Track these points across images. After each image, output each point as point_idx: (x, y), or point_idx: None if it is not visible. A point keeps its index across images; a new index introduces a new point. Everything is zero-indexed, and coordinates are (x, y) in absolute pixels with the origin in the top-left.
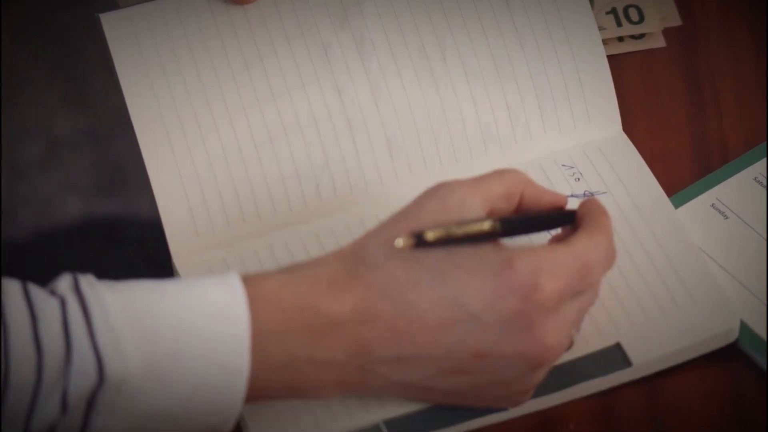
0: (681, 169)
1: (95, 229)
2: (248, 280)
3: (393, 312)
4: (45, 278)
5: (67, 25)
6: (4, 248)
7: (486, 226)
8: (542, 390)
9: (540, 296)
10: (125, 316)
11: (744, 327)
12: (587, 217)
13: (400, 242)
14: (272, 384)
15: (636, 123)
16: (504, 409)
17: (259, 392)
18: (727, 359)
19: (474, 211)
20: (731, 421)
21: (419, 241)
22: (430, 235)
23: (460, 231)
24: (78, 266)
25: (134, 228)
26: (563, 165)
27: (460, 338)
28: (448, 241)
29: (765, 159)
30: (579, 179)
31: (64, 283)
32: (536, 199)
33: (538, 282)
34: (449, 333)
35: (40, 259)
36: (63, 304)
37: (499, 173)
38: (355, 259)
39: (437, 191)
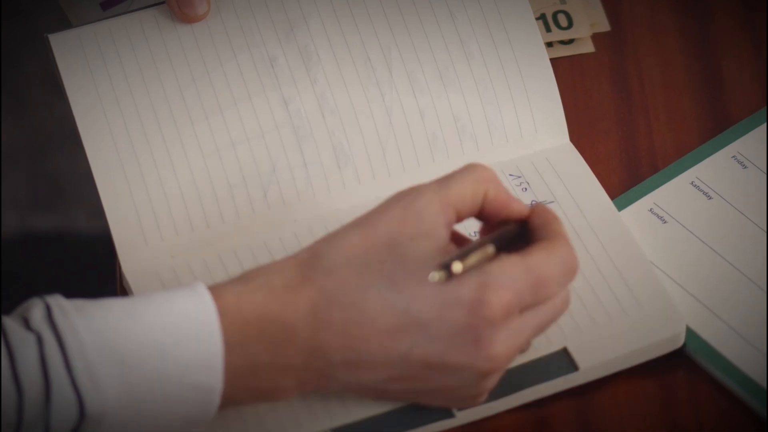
0: (610, 173)
1: (31, 244)
2: (212, 293)
3: (345, 318)
4: None
5: (4, 37)
6: None
7: (490, 251)
8: (490, 396)
9: (486, 311)
10: (100, 348)
11: (689, 332)
12: (541, 229)
13: (435, 276)
14: (239, 390)
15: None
16: (451, 416)
17: (227, 400)
18: (663, 366)
19: (433, 221)
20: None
21: (448, 272)
22: (457, 268)
23: (475, 261)
24: (16, 281)
25: (71, 242)
26: (510, 175)
27: (410, 347)
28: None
29: (700, 164)
30: (526, 189)
31: (37, 313)
32: (500, 201)
33: (484, 297)
34: (400, 341)
35: None
36: (39, 340)
37: (463, 173)
38: (310, 263)
39: (402, 198)
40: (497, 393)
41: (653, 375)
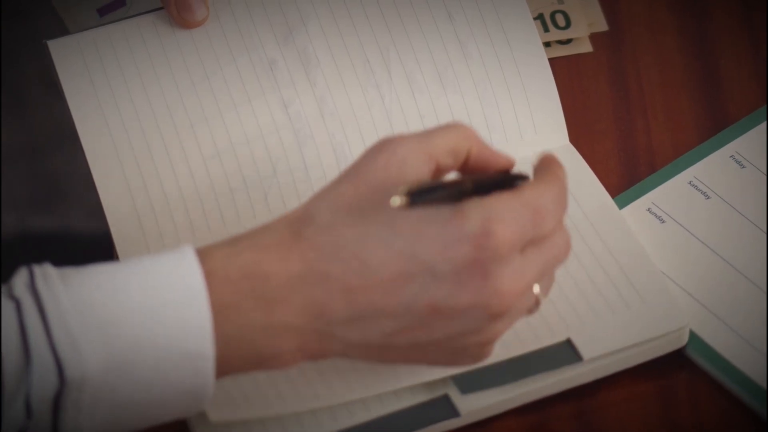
0: (609, 173)
1: (29, 244)
2: (198, 256)
3: (345, 271)
4: None
5: (3, 37)
6: None
7: (467, 186)
8: (494, 381)
9: (492, 242)
10: (82, 313)
11: (689, 333)
12: (542, 169)
13: (396, 201)
14: (233, 358)
15: None
16: (456, 415)
17: (221, 368)
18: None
19: (417, 170)
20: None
21: (413, 198)
22: (416, 187)
23: (446, 184)
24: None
25: (71, 242)
26: None
27: (415, 292)
28: (434, 194)
29: (699, 163)
30: None
31: (20, 280)
32: (484, 158)
33: (489, 228)
34: (404, 287)
35: None
36: (18, 306)
37: (446, 128)
38: (301, 221)
39: (381, 148)
40: (502, 379)
41: (653, 376)
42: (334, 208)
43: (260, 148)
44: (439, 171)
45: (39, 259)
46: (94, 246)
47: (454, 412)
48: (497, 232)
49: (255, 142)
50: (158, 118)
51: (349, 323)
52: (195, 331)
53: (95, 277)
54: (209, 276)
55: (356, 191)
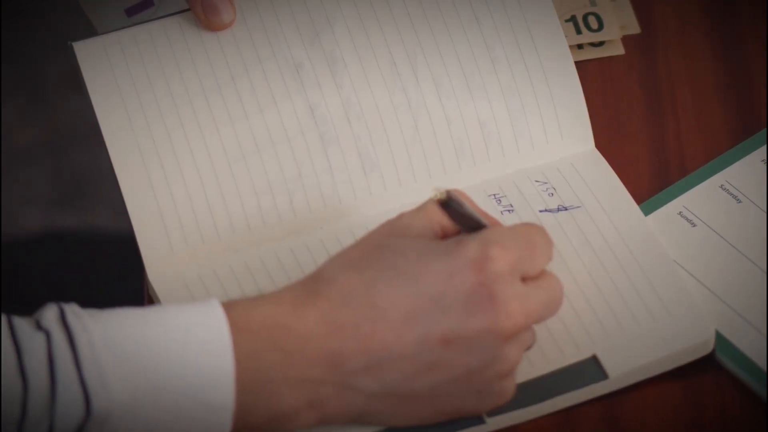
0: (639, 176)
1: (54, 242)
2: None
3: (356, 318)
4: (2, 291)
5: (28, 37)
6: None
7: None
8: (519, 403)
9: (493, 265)
10: (111, 349)
11: (718, 336)
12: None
13: (435, 194)
14: (251, 408)
15: (594, 130)
16: (481, 422)
17: (239, 420)
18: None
19: (422, 228)
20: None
21: (450, 194)
22: (453, 193)
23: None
24: (37, 279)
25: (94, 241)
26: (536, 180)
27: (426, 327)
28: (465, 207)
29: (730, 167)
30: (552, 194)
31: (50, 314)
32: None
33: (487, 252)
34: (414, 325)
35: None
36: (48, 337)
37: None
38: (314, 279)
39: (388, 220)
40: (527, 400)
41: (681, 379)
42: (341, 264)
43: (285, 150)
44: (444, 233)
45: (64, 258)
46: (119, 245)
47: (478, 419)
48: (496, 254)
49: (280, 145)
50: (183, 120)
51: (366, 371)
52: (217, 382)
53: (124, 318)
54: (231, 324)
55: (362, 251)
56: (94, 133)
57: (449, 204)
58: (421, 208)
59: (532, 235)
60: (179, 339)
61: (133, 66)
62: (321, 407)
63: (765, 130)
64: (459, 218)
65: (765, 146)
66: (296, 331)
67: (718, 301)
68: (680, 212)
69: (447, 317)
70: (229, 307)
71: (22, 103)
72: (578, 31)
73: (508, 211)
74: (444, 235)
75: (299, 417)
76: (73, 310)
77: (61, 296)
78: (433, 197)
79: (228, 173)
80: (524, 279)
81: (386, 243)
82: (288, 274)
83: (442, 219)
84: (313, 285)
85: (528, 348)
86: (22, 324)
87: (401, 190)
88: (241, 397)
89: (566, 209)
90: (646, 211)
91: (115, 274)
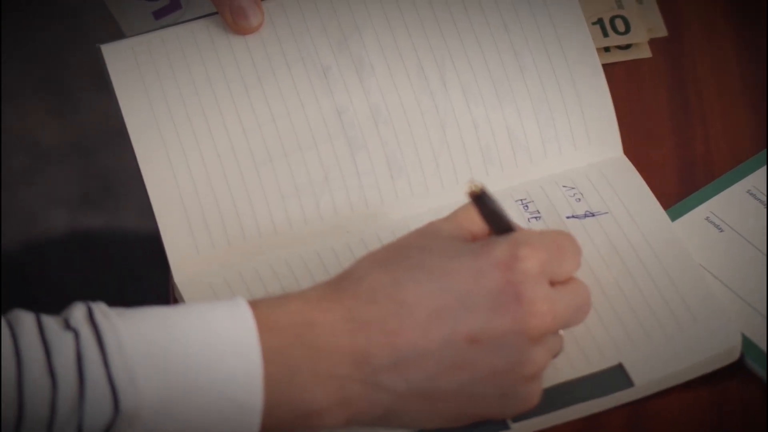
0: (665, 181)
1: (80, 242)
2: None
3: (383, 314)
4: (29, 291)
5: (55, 37)
6: None
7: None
8: (544, 409)
9: (521, 264)
10: (139, 348)
11: (746, 341)
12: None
13: (470, 185)
14: (280, 405)
15: (621, 134)
16: (506, 428)
17: (268, 418)
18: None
19: (451, 233)
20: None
21: (484, 190)
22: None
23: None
24: (63, 279)
25: (120, 242)
26: (564, 186)
27: (452, 326)
28: (497, 204)
29: (757, 172)
30: (580, 200)
31: (78, 313)
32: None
33: (516, 252)
34: (441, 323)
35: (24, 271)
36: (77, 336)
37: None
38: (341, 277)
39: (415, 230)
40: (552, 406)
41: (707, 384)
42: (369, 263)
43: (312, 154)
44: (473, 236)
45: (90, 258)
46: (145, 245)
47: (503, 424)
48: (525, 254)
49: (307, 148)
50: (210, 122)
51: (392, 368)
52: (246, 381)
53: (151, 317)
54: (257, 322)
55: (390, 252)
56: (120, 134)
57: (482, 198)
58: (450, 216)
59: (561, 240)
60: (206, 338)
61: (160, 68)
62: (349, 406)
63: None
64: (490, 216)
65: None
66: (323, 327)
67: (746, 305)
68: (707, 217)
69: (473, 315)
70: (255, 305)
71: (50, 105)
72: (605, 34)
73: (535, 218)
74: (473, 237)
75: (328, 415)
76: (100, 309)
77: (87, 296)
78: (467, 190)
79: (255, 176)
80: (552, 283)
81: (414, 243)
82: (314, 277)
83: (471, 226)
84: (340, 283)
85: (555, 355)
86: (50, 323)
87: (428, 195)
88: (269, 395)
89: (593, 215)
90: (673, 217)
91: (141, 274)
